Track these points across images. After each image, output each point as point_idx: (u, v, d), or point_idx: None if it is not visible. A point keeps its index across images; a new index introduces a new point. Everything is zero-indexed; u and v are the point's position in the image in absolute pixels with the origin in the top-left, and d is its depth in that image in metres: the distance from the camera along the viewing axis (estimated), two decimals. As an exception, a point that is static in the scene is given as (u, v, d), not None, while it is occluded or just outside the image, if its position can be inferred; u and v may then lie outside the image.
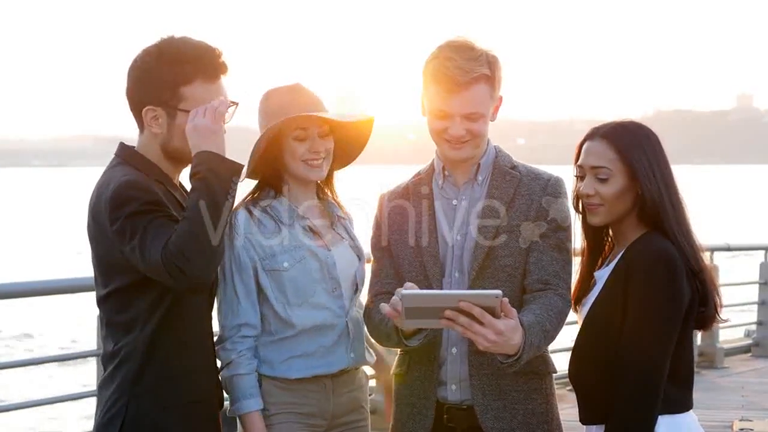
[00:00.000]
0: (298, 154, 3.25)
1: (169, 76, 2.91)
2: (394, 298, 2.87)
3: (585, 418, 3.07)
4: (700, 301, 2.99)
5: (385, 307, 2.87)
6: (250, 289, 3.22)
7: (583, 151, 3.08)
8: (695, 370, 9.05)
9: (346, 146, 3.39)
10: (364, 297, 3.36)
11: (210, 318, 3.11)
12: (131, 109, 3.00)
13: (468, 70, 3.05)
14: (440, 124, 3.12)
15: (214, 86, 2.96)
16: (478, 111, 3.09)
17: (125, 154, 3.00)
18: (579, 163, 3.08)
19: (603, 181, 3.02)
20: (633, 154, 3.00)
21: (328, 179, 3.42)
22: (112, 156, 3.03)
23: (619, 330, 2.93)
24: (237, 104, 3.01)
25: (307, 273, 3.24)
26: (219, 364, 3.24)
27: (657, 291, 2.89)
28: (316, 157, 3.26)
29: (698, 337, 9.60)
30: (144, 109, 2.95)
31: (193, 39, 2.98)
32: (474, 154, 3.17)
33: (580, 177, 3.08)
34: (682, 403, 2.99)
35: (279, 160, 3.28)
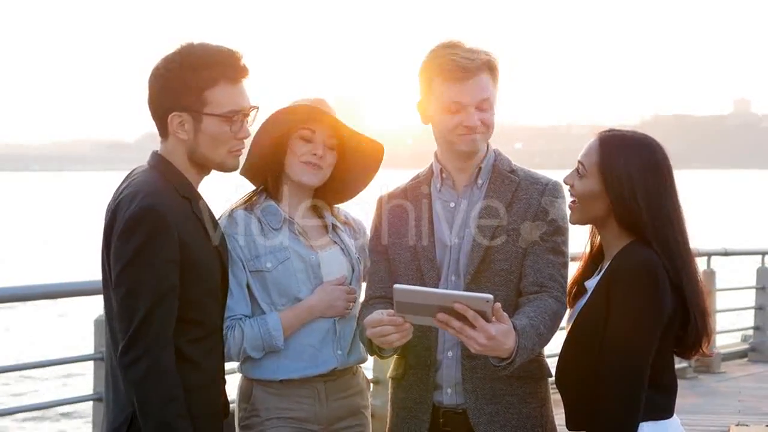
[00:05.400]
0: (299, 153, 3.29)
1: (193, 81, 2.92)
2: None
3: (571, 424, 3.08)
4: (681, 322, 2.96)
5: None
6: (241, 282, 3.25)
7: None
8: (692, 374, 9.00)
9: (351, 178, 3.43)
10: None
11: (221, 328, 3.11)
12: (154, 117, 3.00)
13: (473, 58, 3.10)
14: (453, 120, 3.12)
15: (238, 89, 2.98)
16: (488, 98, 3.13)
17: (158, 163, 2.99)
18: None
19: (580, 176, 3.04)
20: (610, 164, 2.98)
21: (325, 197, 3.42)
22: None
23: (602, 338, 2.94)
24: (258, 108, 3.04)
25: (291, 273, 3.26)
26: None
27: (638, 299, 2.89)
28: (315, 160, 3.28)
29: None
30: (170, 116, 2.95)
31: (212, 44, 3.00)
32: (484, 146, 3.20)
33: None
34: (665, 409, 3.00)
35: (280, 159, 3.31)
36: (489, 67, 3.13)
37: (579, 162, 3.06)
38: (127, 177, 3.02)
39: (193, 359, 2.92)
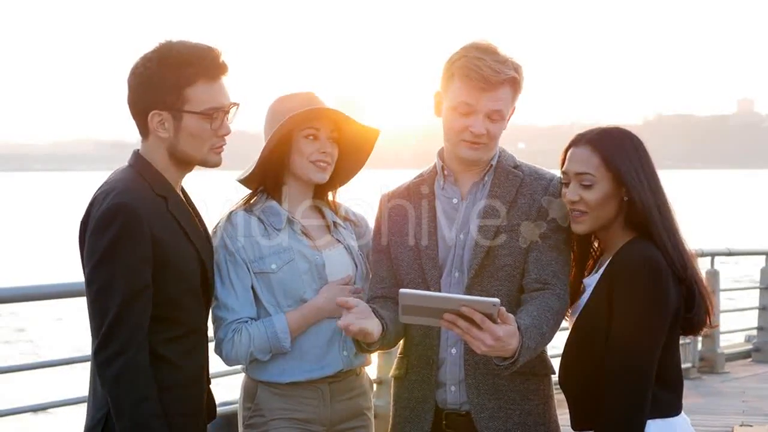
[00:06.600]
0: (306, 154, 3.27)
1: (172, 79, 2.91)
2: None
3: (576, 424, 3.07)
4: (686, 307, 2.98)
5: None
6: (246, 285, 3.23)
7: (567, 157, 3.07)
8: (696, 375, 8.97)
9: (347, 160, 3.41)
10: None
11: (204, 330, 3.07)
12: (134, 116, 2.98)
13: (499, 71, 3.07)
14: (462, 122, 3.10)
15: (217, 86, 2.96)
16: (501, 110, 3.10)
17: (136, 162, 2.98)
18: (564, 169, 3.08)
19: (587, 187, 3.01)
20: (618, 161, 2.98)
21: (325, 189, 3.41)
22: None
23: (605, 336, 2.93)
24: (238, 105, 3.02)
25: (296, 274, 3.24)
26: (225, 358, 3.24)
27: (642, 296, 2.89)
28: (324, 158, 3.28)
29: (699, 342, 9.59)
30: (149, 115, 2.94)
31: (191, 41, 2.98)
32: (486, 156, 3.17)
33: (566, 183, 3.08)
34: (672, 407, 2.99)
35: (283, 160, 3.29)
36: (514, 82, 3.11)
37: (578, 174, 3.01)
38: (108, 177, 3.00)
39: (169, 359, 2.89)
